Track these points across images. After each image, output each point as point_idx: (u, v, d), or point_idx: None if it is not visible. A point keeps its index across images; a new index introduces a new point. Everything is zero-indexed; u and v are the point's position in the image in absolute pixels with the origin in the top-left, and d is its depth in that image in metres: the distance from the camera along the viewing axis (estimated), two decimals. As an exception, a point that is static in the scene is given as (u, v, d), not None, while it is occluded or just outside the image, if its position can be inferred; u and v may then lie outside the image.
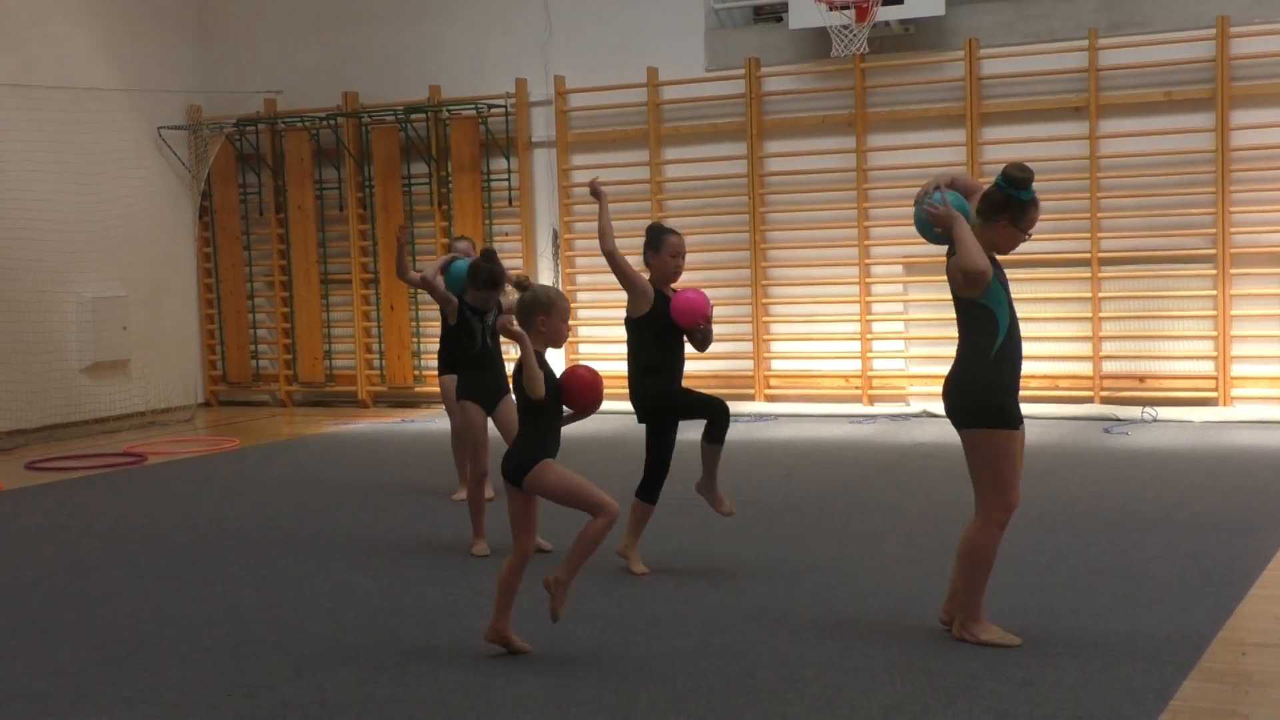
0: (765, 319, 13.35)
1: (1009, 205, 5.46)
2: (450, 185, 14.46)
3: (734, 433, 12.63)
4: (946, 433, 6.06)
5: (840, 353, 13.11)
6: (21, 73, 13.32)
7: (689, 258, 13.81)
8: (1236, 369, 11.86)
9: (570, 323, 6.26)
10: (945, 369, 12.51)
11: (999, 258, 5.61)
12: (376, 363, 14.96)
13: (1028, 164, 5.51)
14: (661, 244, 6.95)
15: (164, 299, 15.08)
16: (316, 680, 5.43)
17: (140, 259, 14.71)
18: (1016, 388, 5.62)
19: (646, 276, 7.08)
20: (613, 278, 7.09)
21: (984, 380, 5.53)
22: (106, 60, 14.33)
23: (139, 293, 14.62)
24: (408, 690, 5.25)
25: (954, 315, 5.78)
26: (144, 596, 6.97)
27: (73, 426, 13.71)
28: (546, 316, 5.54)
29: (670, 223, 13.56)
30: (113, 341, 14.22)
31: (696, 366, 13.54)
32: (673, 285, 6.89)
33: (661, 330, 6.94)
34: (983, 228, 5.52)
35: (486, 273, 7.67)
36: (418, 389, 14.45)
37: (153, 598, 6.93)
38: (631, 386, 7.13)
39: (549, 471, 5.48)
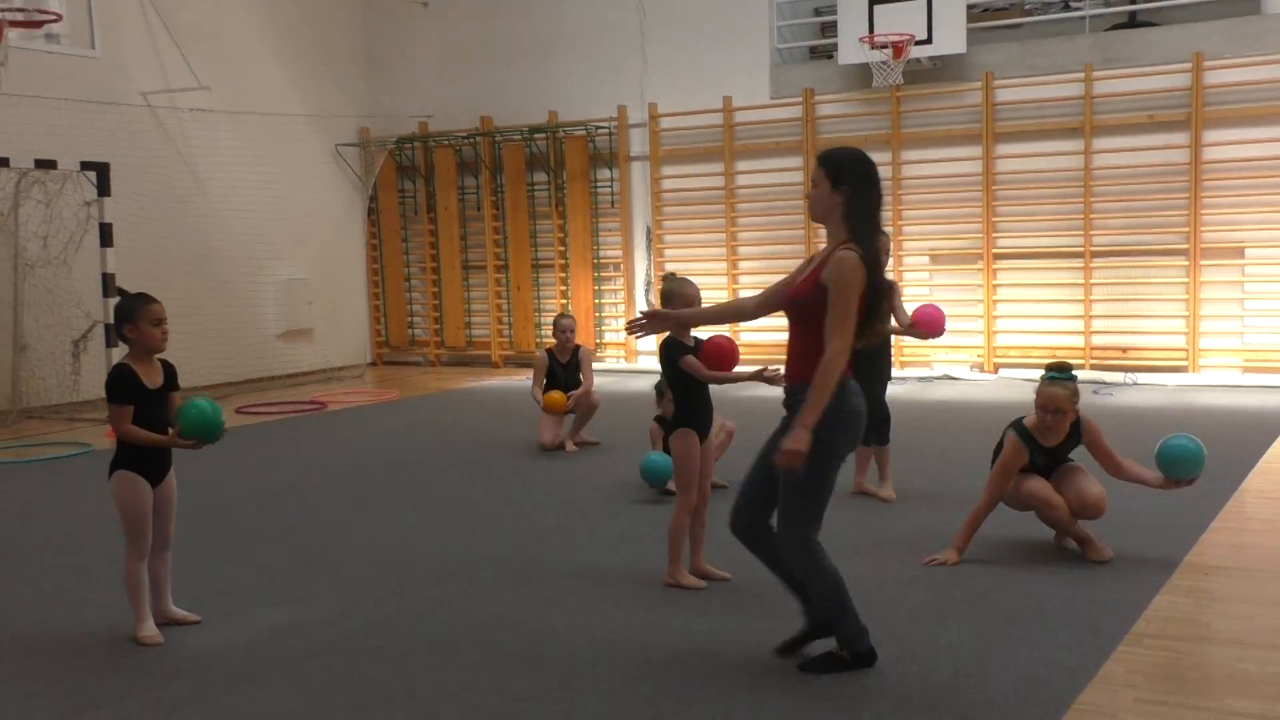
0: (817, 299, 13.28)
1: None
2: (565, 191, 14.51)
3: (790, 390, 12.55)
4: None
5: (877, 327, 13.01)
6: (233, 102, 13.54)
7: (757, 249, 13.85)
8: (1204, 343, 11.70)
9: (658, 296, 6.03)
10: (965, 341, 12.40)
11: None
12: (506, 332, 15.08)
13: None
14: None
15: (340, 280, 15.29)
16: (457, 583, 5.53)
17: (322, 249, 14.92)
18: None
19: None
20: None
21: None
22: (296, 92, 14.51)
23: (321, 275, 14.83)
24: (526, 595, 5.33)
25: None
26: (325, 514, 7.11)
27: (269, 380, 13.96)
28: (671, 304, 5.27)
29: (738, 222, 13.62)
30: (300, 314, 14.45)
31: (761, 338, 13.59)
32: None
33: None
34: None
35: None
36: (538, 353, 14.53)
37: (332, 515, 7.07)
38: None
39: (680, 439, 5.33)
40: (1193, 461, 5.48)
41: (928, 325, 6.86)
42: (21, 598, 5.47)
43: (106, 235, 11.11)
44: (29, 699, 4.20)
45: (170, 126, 12.96)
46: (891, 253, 7.12)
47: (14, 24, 9.31)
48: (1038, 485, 5.58)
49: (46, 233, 11.35)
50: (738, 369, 5.44)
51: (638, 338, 4.52)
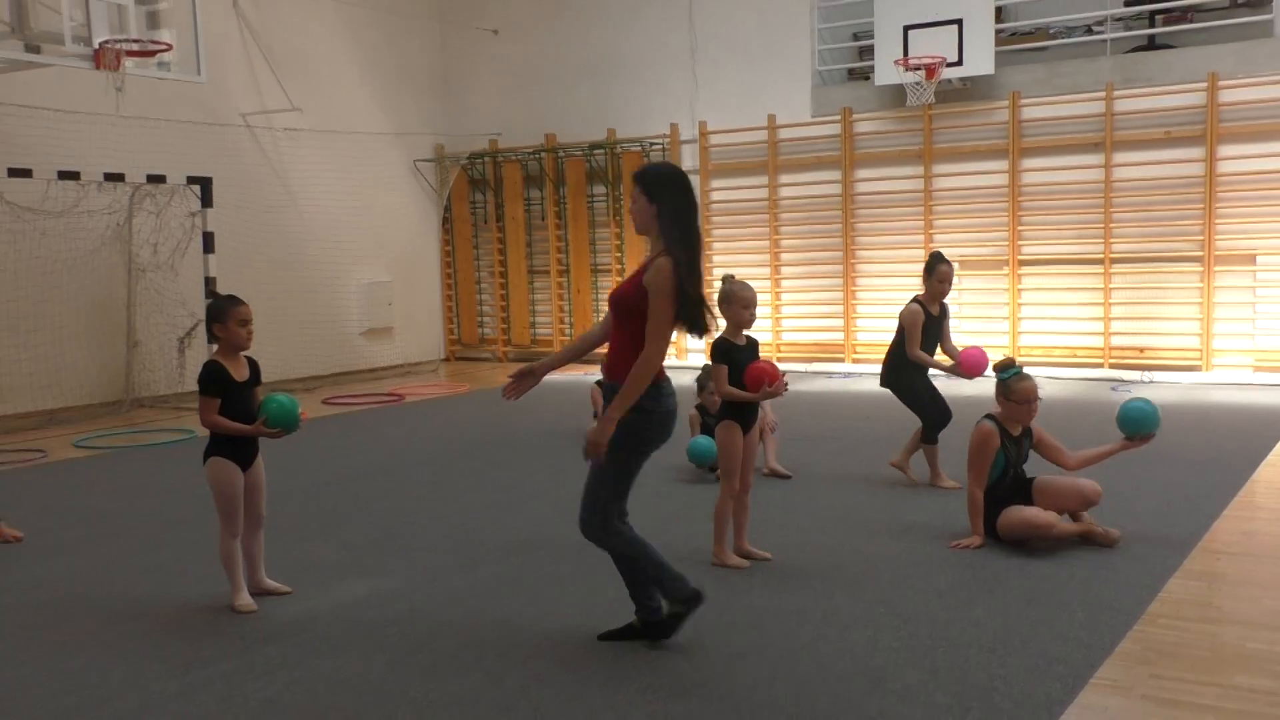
0: (853, 302, 13.22)
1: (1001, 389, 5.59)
2: (621, 202, 14.50)
3: (828, 384, 12.62)
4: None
5: (909, 327, 12.93)
6: (322, 122, 13.69)
7: (798, 255, 13.80)
8: (1216, 343, 11.50)
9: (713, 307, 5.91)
10: (990, 341, 12.28)
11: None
12: (567, 330, 15.13)
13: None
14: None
15: (417, 283, 15.40)
16: (520, 559, 5.56)
17: (400, 255, 15.05)
18: None
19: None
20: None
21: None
22: (379, 112, 14.64)
23: (399, 279, 14.96)
24: (582, 572, 5.34)
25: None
26: (401, 495, 7.18)
27: (352, 374, 14.10)
28: (727, 305, 5.30)
29: (781, 231, 13.57)
30: (381, 314, 14.59)
31: (800, 338, 13.54)
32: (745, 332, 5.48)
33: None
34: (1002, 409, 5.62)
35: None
36: (598, 350, 14.55)
37: (407, 496, 7.13)
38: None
39: (724, 430, 5.33)
40: (1149, 419, 5.55)
41: (971, 368, 6.79)
42: (132, 568, 5.57)
43: (209, 243, 11.29)
44: (140, 659, 4.28)
45: (266, 144, 13.14)
46: (952, 280, 7.04)
47: (130, 53, 9.47)
48: (1030, 513, 5.42)
49: (156, 240, 11.55)
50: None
51: (514, 400, 4.52)
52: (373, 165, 14.50)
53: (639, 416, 4.10)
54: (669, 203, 4.15)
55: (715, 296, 5.28)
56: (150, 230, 11.51)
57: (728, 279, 5.51)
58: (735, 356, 5.30)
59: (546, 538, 5.94)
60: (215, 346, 4.92)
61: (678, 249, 4.08)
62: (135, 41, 9.45)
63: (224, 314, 4.81)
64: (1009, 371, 5.60)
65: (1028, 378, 5.59)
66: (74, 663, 4.26)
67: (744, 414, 5.33)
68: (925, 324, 6.83)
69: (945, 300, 7.01)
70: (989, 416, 5.64)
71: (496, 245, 15.50)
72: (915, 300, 6.90)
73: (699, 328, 4.16)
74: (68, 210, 10.72)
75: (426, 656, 4.22)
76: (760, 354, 5.46)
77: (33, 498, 7.30)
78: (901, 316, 6.89)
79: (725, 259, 13.93)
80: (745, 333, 5.38)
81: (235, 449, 4.85)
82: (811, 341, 13.55)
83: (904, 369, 6.92)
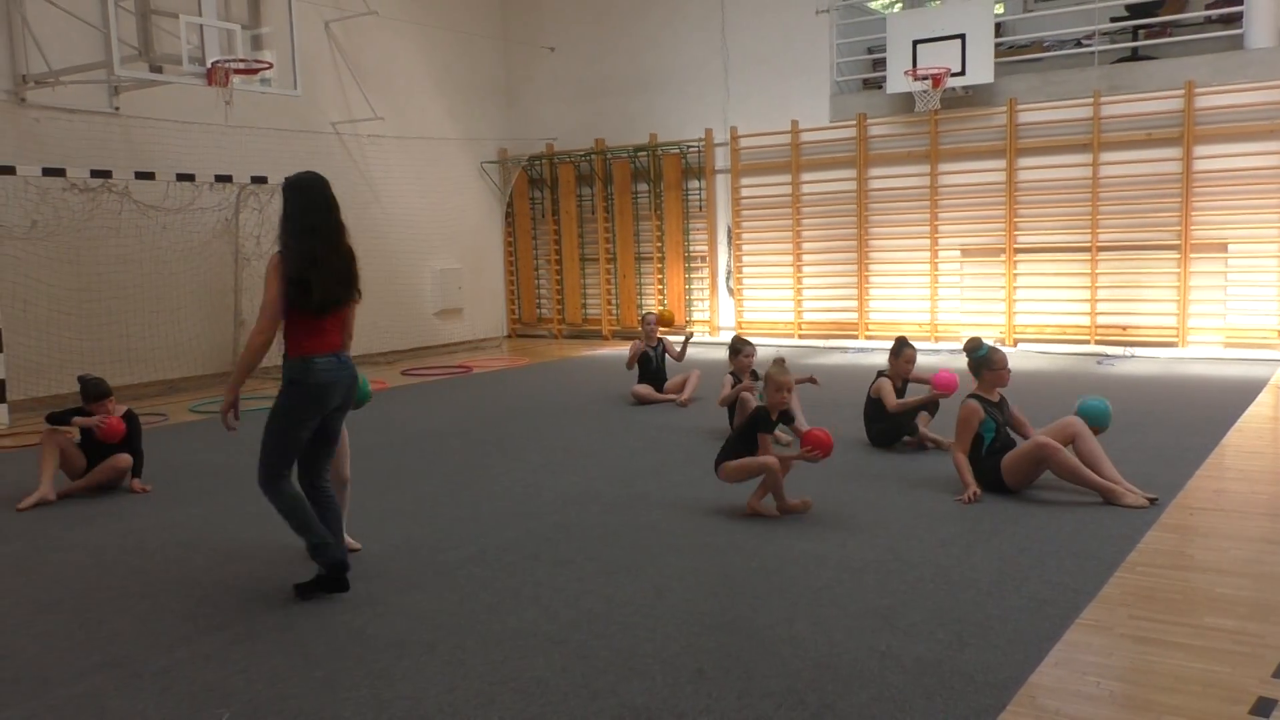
0: (866, 285, 13.08)
1: (973, 366, 5.74)
2: (662, 198, 14.45)
3: (843, 358, 12.51)
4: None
5: (915, 308, 12.81)
6: (401, 129, 13.73)
7: (818, 245, 13.66)
8: (1191, 322, 11.27)
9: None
10: (989, 320, 12.06)
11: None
12: (614, 311, 15.12)
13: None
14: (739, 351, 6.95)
15: (483, 270, 15.45)
16: (574, 512, 5.58)
17: (469, 245, 15.10)
18: None
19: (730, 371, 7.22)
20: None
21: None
22: (450, 120, 14.66)
23: (468, 266, 15.02)
24: (628, 521, 5.37)
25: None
26: (469, 454, 7.21)
27: (428, 349, 14.20)
28: (769, 390, 5.38)
29: (803, 223, 13.46)
30: (452, 296, 14.65)
31: (819, 317, 13.44)
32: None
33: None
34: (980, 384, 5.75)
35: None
36: (639, 328, 14.54)
37: (474, 455, 7.17)
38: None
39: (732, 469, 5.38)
40: (1102, 416, 5.72)
41: (944, 385, 6.76)
42: (241, 516, 5.66)
43: (304, 235, 11.36)
44: (248, 593, 4.35)
45: (352, 149, 13.20)
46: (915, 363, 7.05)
47: (237, 71, 9.55)
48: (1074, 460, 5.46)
49: (259, 233, 11.65)
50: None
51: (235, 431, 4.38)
52: (445, 167, 14.53)
53: (290, 389, 4.14)
54: (286, 205, 4.22)
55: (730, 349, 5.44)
56: (254, 224, 11.63)
57: (777, 362, 5.50)
58: (765, 427, 5.37)
59: (597, 491, 5.95)
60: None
61: (287, 243, 4.14)
62: (241, 61, 9.53)
63: None
64: (982, 348, 5.74)
65: (997, 349, 5.80)
66: (194, 594, 4.34)
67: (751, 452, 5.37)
68: (896, 389, 6.93)
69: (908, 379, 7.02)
70: (971, 395, 5.72)
71: (552, 236, 15.50)
72: (883, 375, 6.98)
73: (308, 304, 4.10)
74: (184, 207, 10.84)
75: (491, 594, 4.25)
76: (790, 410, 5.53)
77: (157, 455, 7.42)
78: (877, 389, 6.91)
79: (753, 248, 13.87)
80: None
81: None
82: (829, 320, 13.45)
83: (881, 420, 6.94)
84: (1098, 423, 5.69)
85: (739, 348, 7.42)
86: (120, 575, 4.62)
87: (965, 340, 5.77)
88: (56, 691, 3.41)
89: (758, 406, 5.43)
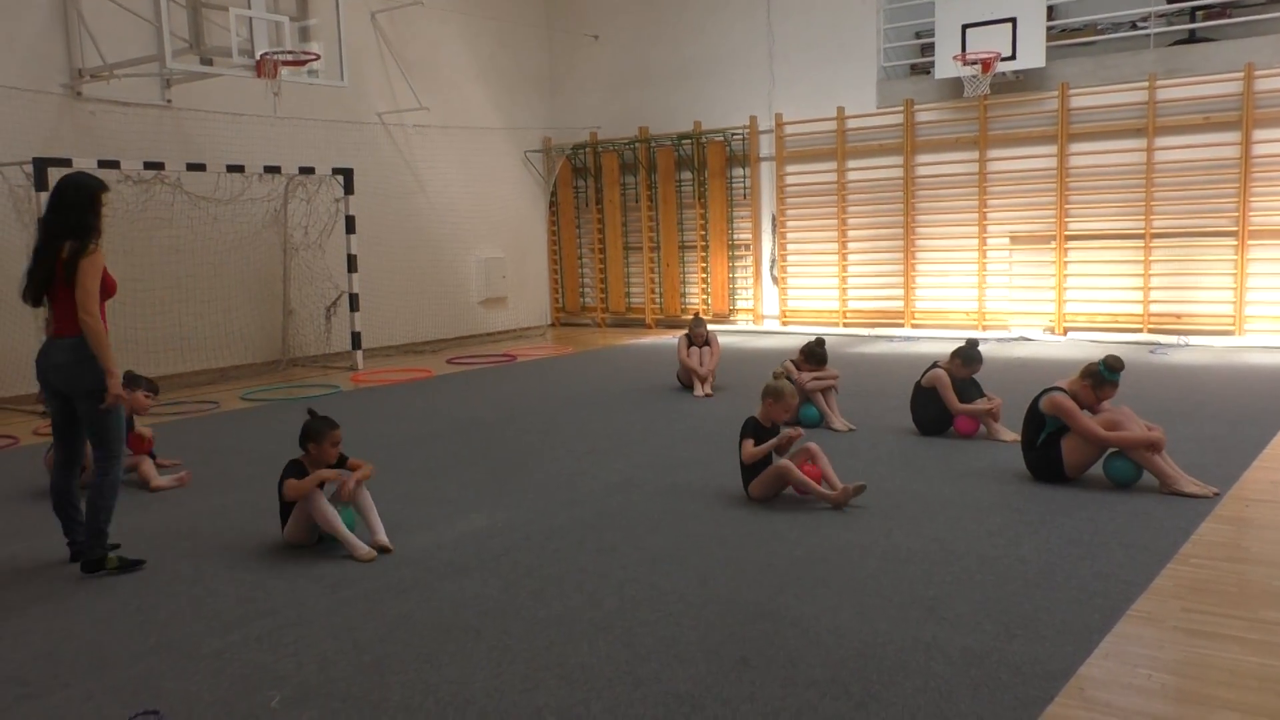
0: (913, 273, 12.96)
1: (1100, 380, 5.54)
2: (706, 186, 14.41)
3: (889, 347, 12.42)
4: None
5: (962, 296, 12.66)
6: (446, 118, 13.82)
7: (863, 234, 13.55)
8: (1249, 310, 11.05)
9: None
10: (1037, 308, 11.92)
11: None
12: (657, 299, 15.11)
13: (1117, 358, 5.52)
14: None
15: (527, 258, 15.52)
16: (618, 498, 5.60)
17: (513, 234, 15.16)
18: None
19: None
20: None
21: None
22: (494, 110, 14.72)
23: (512, 255, 15.09)
24: (672, 509, 5.37)
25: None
26: (514, 442, 7.25)
27: (472, 337, 14.29)
28: (774, 401, 5.43)
29: (848, 210, 13.35)
30: (496, 285, 14.74)
31: (864, 306, 13.33)
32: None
33: None
34: (1081, 388, 5.56)
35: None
36: (683, 316, 14.57)
37: (519, 443, 7.21)
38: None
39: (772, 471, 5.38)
40: (1127, 478, 5.48)
41: (964, 430, 6.86)
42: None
43: (351, 225, 11.51)
44: (297, 578, 4.43)
45: (398, 139, 13.31)
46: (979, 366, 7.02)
47: (285, 63, 9.68)
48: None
49: (307, 223, 11.81)
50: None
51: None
52: (489, 156, 14.60)
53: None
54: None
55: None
56: (302, 215, 11.77)
57: (783, 377, 5.59)
58: (762, 436, 5.44)
59: (641, 479, 5.97)
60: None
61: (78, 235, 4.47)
62: (289, 53, 9.65)
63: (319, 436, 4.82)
64: (1120, 372, 5.57)
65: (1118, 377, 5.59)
66: (247, 579, 4.43)
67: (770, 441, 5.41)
68: (954, 385, 6.89)
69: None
70: (1058, 388, 5.58)
71: (596, 225, 15.52)
72: (939, 366, 6.93)
73: (27, 297, 4.50)
74: (234, 198, 11.00)
75: (536, 580, 4.28)
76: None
77: (209, 441, 7.58)
78: (931, 379, 6.90)
79: (798, 235, 13.79)
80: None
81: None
82: (874, 309, 13.34)
83: (930, 409, 6.97)
84: (1121, 483, 5.46)
85: (778, 392, 5.65)
86: (174, 560, 4.72)
87: (1110, 356, 5.59)
88: (114, 673, 3.50)
89: (750, 418, 5.49)
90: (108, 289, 4.51)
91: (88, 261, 4.38)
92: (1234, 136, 10.88)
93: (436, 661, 3.48)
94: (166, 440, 7.21)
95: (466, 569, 4.46)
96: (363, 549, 4.63)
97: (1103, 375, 5.53)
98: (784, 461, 5.29)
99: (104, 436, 4.48)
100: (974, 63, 11.61)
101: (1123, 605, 3.80)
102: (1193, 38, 11.36)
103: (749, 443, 5.38)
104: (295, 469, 4.82)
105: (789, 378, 7.10)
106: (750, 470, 5.42)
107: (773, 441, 5.35)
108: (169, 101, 10.68)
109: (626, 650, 3.51)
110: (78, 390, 4.44)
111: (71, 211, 4.44)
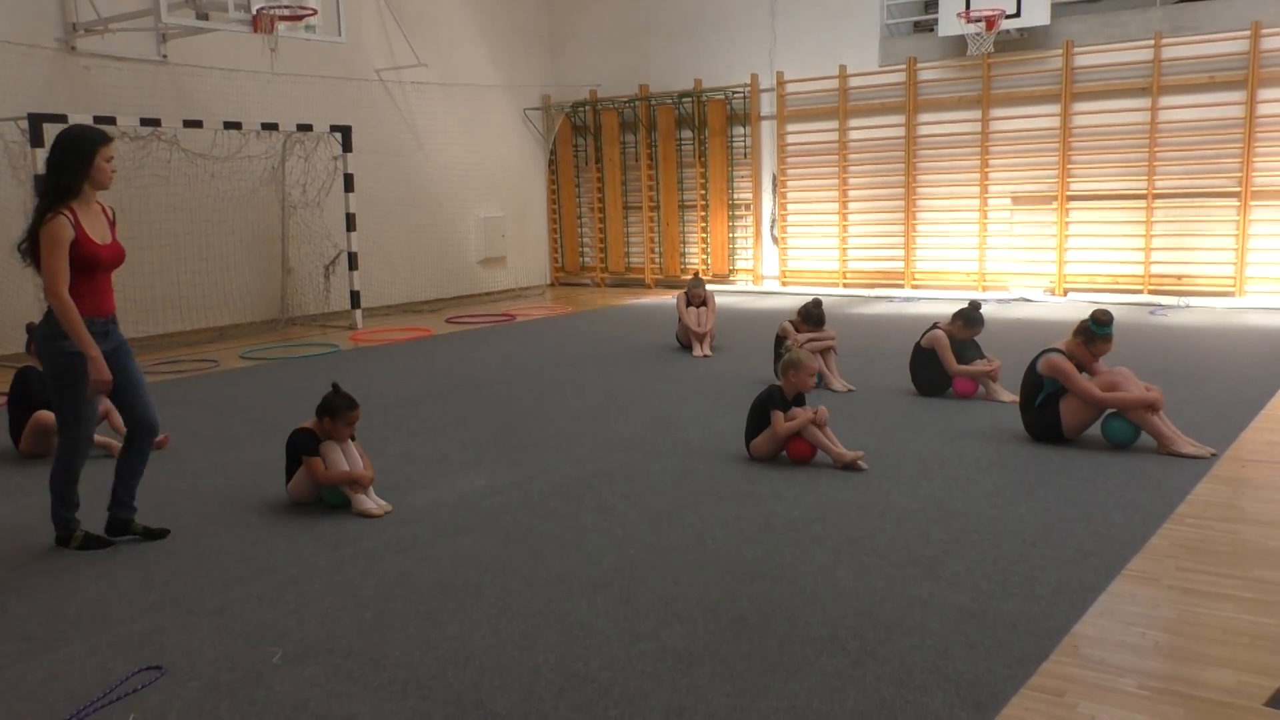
0: (914, 234, 12.91)
1: (1091, 335, 5.50)
2: (707, 145, 14.31)
3: (889, 306, 12.39)
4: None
5: (963, 257, 12.62)
6: (444, 76, 13.69)
7: (865, 193, 13.45)
8: (1250, 271, 11.02)
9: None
10: (1038, 269, 11.85)
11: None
12: (657, 259, 15.06)
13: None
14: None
15: (526, 218, 15.45)
16: (616, 458, 5.61)
17: (512, 193, 15.08)
18: None
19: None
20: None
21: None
22: (493, 67, 14.58)
23: (511, 214, 15.02)
24: (671, 469, 5.38)
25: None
26: (514, 401, 7.26)
27: (471, 297, 14.28)
28: (795, 372, 5.38)
29: (850, 170, 13.26)
30: (495, 244, 14.69)
31: (864, 266, 13.29)
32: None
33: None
34: (1076, 346, 5.54)
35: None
36: (682, 276, 14.53)
37: (519, 402, 7.22)
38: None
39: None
40: (1124, 438, 5.47)
41: (962, 391, 6.86)
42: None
43: (349, 183, 11.44)
44: (298, 536, 4.45)
45: (397, 96, 13.19)
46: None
47: (282, 18, 9.57)
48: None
49: (305, 181, 11.74)
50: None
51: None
52: (488, 114, 14.48)
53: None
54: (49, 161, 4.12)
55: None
56: (300, 172, 11.70)
57: (791, 352, 5.55)
58: (788, 407, 5.41)
59: (640, 439, 5.98)
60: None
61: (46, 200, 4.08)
62: (286, 7, 9.54)
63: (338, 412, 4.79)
64: (1110, 326, 5.52)
65: (1111, 335, 5.54)
66: (247, 537, 4.45)
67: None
68: (954, 346, 6.88)
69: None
70: (1057, 350, 5.55)
71: (595, 184, 15.43)
72: (939, 328, 6.91)
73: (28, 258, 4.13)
74: (232, 155, 10.93)
75: (536, 539, 4.30)
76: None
77: (208, 400, 7.58)
78: (930, 340, 6.88)
79: (799, 195, 13.71)
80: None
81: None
82: (875, 269, 13.31)
83: (928, 369, 6.97)
84: (1118, 442, 5.47)
85: (797, 363, 5.53)
86: (175, 517, 4.74)
87: (1097, 310, 5.55)
88: (116, 629, 3.52)
89: (772, 385, 5.47)
90: (100, 258, 4.08)
91: (44, 232, 3.97)
92: (1239, 96, 10.78)
93: (437, 619, 3.50)
94: (167, 399, 7.21)
95: (466, 527, 4.48)
96: (372, 504, 4.68)
97: (1092, 330, 5.49)
98: (783, 430, 5.28)
99: (59, 406, 4.20)
100: (978, 20, 11.48)
101: (1118, 564, 3.82)
102: (1200, -5, 11.24)
103: (778, 415, 5.32)
104: (308, 438, 4.82)
105: (785, 338, 7.12)
106: (754, 428, 5.42)
107: (805, 418, 5.26)
108: (164, 57, 10.56)
109: (625, 608, 3.54)
110: (45, 369, 4.18)
111: (51, 174, 4.06)
